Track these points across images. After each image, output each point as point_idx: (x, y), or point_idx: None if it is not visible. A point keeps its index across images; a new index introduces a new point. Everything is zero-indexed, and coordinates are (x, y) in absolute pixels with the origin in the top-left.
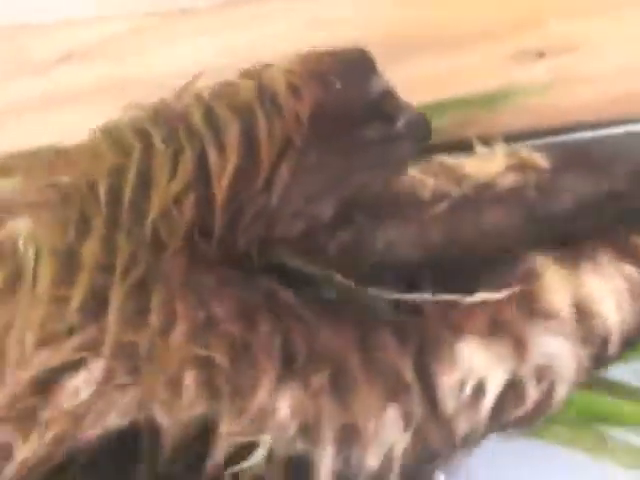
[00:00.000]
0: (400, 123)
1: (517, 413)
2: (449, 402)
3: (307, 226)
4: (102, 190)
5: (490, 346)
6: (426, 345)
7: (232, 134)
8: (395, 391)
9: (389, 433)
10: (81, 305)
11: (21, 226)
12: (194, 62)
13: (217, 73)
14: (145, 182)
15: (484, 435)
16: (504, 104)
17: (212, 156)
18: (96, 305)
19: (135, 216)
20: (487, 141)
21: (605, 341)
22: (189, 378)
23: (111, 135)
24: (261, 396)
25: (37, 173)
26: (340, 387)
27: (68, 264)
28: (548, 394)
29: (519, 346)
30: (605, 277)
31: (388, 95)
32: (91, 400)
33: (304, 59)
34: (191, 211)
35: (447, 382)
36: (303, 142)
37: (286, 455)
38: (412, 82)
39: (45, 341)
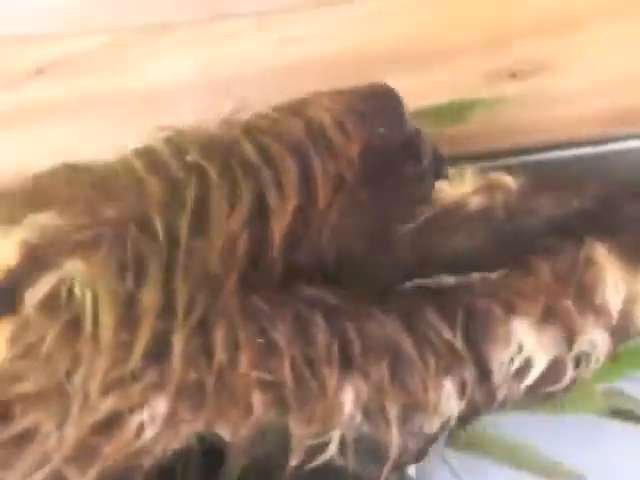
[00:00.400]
0: (426, 161)
1: (550, 389)
2: (498, 375)
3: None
4: (158, 229)
5: (542, 331)
6: (475, 321)
7: (290, 173)
8: (449, 365)
9: (447, 404)
10: (144, 349)
11: (73, 269)
12: (170, 77)
13: (194, 88)
14: (201, 219)
15: (516, 403)
16: (473, 120)
17: (272, 195)
18: (158, 348)
19: (192, 254)
20: (458, 160)
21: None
22: (257, 398)
23: (157, 168)
24: (327, 400)
25: (77, 206)
26: (398, 372)
27: (128, 309)
28: (579, 375)
29: (570, 335)
30: None
31: (418, 133)
32: (155, 436)
33: (340, 97)
34: (246, 247)
35: (499, 357)
36: (354, 180)
37: (355, 438)
38: None
39: (109, 388)
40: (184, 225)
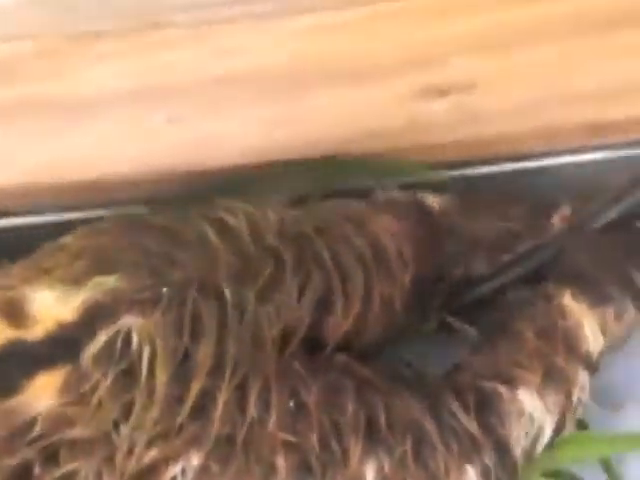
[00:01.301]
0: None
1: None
2: (517, 450)
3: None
4: (227, 295)
5: (545, 395)
6: (487, 405)
7: (357, 284)
8: (470, 452)
9: None
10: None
11: (132, 322)
12: (102, 86)
13: (127, 98)
14: (267, 293)
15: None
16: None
17: (339, 297)
18: (202, 403)
19: (249, 321)
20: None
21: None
22: (281, 460)
23: (232, 240)
24: (350, 469)
25: (141, 271)
26: (421, 452)
27: (182, 364)
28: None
29: (568, 390)
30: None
31: None
32: None
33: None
34: (303, 333)
35: (515, 435)
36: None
37: None
38: (312, 114)
39: (155, 440)
40: (251, 296)
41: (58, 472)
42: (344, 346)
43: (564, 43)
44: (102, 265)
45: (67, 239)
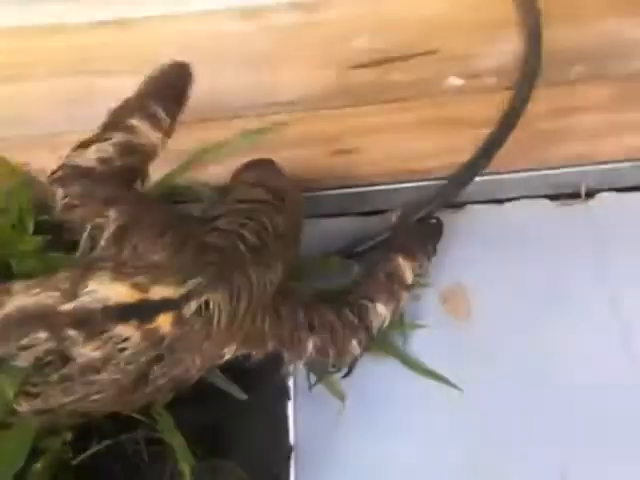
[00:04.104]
0: None
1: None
2: (374, 330)
3: None
4: (251, 272)
5: (388, 305)
6: (362, 309)
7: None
8: (354, 333)
9: (353, 349)
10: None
11: (209, 296)
12: None
13: None
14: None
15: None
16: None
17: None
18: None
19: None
20: None
21: None
22: (270, 342)
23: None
24: (301, 345)
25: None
26: (332, 334)
27: (234, 316)
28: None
29: (398, 303)
30: None
31: None
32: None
33: None
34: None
35: (374, 324)
36: None
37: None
38: None
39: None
40: (262, 270)
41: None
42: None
43: None
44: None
45: None
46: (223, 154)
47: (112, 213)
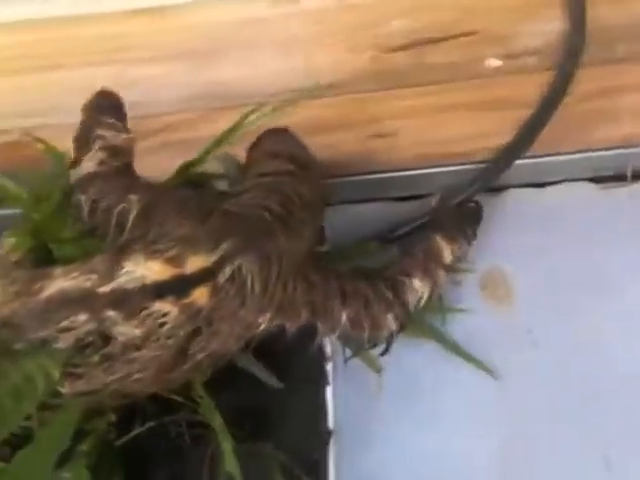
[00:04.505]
0: None
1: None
2: (411, 306)
3: None
4: (282, 241)
5: (423, 281)
6: (398, 284)
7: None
8: (389, 307)
9: (389, 323)
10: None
11: (242, 263)
12: None
13: None
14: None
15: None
16: None
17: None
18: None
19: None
20: None
21: None
22: (305, 313)
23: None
24: (334, 314)
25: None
26: (367, 308)
27: (267, 281)
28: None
29: (435, 281)
30: None
31: None
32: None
33: None
34: None
35: (410, 299)
36: None
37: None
38: None
39: (265, 307)
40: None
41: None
42: None
43: None
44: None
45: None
46: (238, 138)
47: (133, 197)
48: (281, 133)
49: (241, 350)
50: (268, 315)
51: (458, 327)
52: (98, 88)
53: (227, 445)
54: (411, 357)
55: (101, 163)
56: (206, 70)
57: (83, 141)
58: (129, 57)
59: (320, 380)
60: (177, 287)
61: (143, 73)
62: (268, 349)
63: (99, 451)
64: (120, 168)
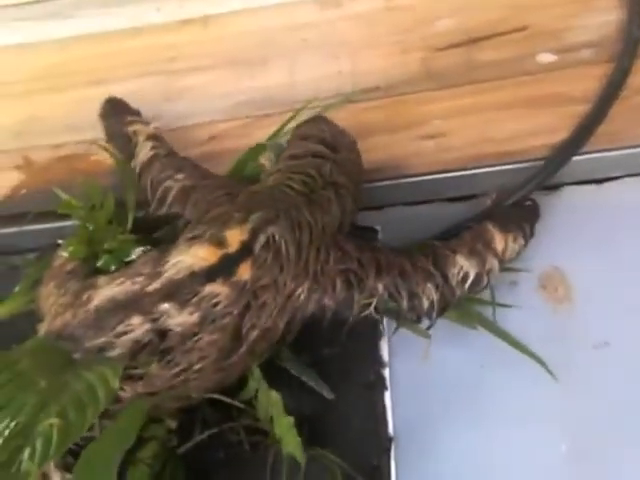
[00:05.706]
0: None
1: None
2: (453, 280)
3: None
4: (306, 215)
5: (469, 259)
6: (440, 258)
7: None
8: (428, 278)
9: (429, 296)
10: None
11: (274, 230)
12: None
13: None
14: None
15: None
16: None
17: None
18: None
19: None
20: None
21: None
22: (339, 282)
23: (304, 184)
24: (369, 284)
25: (269, 209)
26: (404, 281)
27: (299, 248)
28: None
29: (483, 262)
30: None
31: None
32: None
33: None
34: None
35: (451, 273)
36: None
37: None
38: None
39: (297, 277)
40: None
41: (256, 307)
42: None
43: None
44: (253, 209)
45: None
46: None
47: (179, 175)
48: (317, 119)
49: (295, 355)
50: (306, 285)
51: (517, 326)
52: (147, 100)
53: (293, 445)
54: (467, 360)
55: (155, 148)
56: (253, 77)
57: (124, 140)
58: (181, 67)
59: (378, 386)
60: (224, 268)
61: (196, 82)
62: (324, 355)
63: (161, 458)
64: (171, 151)
